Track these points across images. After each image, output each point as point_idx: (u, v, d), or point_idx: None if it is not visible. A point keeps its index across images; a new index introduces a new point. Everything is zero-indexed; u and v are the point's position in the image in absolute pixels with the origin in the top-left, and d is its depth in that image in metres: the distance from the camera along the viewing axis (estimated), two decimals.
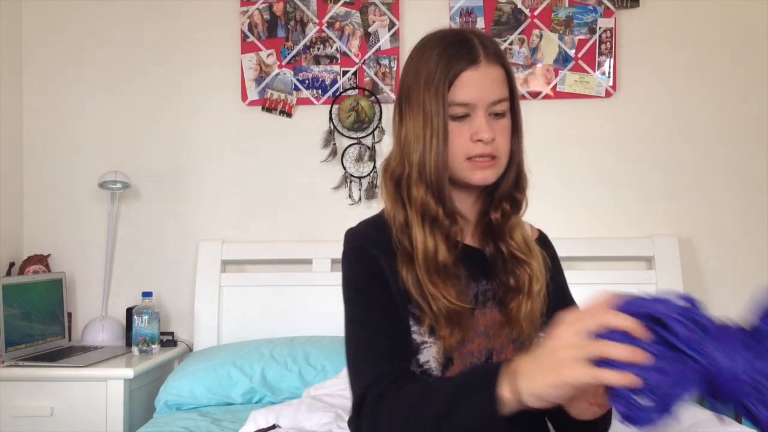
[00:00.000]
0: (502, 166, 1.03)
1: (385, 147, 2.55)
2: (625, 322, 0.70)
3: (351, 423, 0.96)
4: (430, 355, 0.99)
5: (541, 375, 0.73)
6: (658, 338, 0.70)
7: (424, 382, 0.94)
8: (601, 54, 2.54)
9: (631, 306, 0.72)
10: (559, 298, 1.10)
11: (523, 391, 0.74)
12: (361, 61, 2.60)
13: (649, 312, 0.71)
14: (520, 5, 2.56)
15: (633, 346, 0.69)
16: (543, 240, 1.16)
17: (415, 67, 1.02)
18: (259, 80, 2.62)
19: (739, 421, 1.76)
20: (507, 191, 1.05)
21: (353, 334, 1.00)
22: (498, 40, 2.56)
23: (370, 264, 1.01)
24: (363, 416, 0.91)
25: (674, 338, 0.70)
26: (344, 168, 2.57)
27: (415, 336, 0.99)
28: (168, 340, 2.49)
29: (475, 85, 0.98)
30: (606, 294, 0.73)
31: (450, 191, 1.01)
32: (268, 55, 2.62)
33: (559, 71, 2.55)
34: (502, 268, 1.04)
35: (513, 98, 1.03)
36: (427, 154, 0.99)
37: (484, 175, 1.01)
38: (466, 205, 1.07)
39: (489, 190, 1.07)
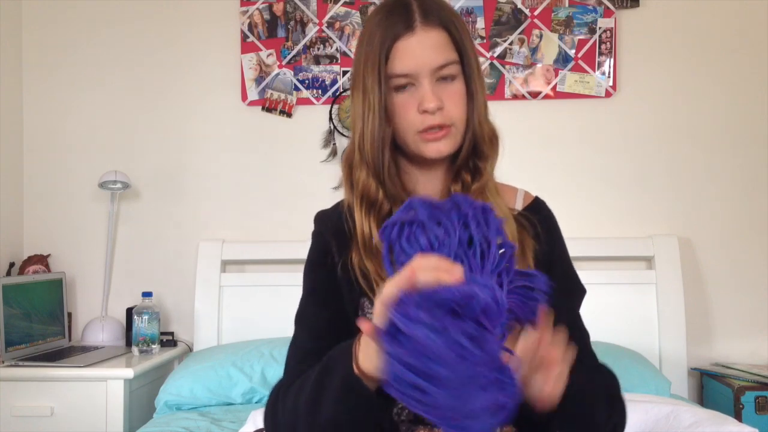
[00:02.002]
0: (457, 134, 0.96)
1: None
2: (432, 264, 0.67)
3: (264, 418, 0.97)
4: None
5: (371, 359, 0.74)
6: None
7: (307, 372, 0.90)
8: (601, 54, 2.54)
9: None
10: (556, 273, 0.98)
11: (366, 371, 0.76)
12: None
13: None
14: (520, 5, 2.56)
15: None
16: (536, 208, 1.07)
17: (359, 44, 0.97)
18: (259, 80, 2.62)
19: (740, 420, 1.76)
20: (464, 161, 0.98)
21: (296, 318, 1.03)
22: (498, 40, 2.56)
23: (320, 253, 1.01)
24: (266, 414, 0.93)
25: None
26: None
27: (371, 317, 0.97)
28: (168, 340, 2.49)
29: (413, 52, 0.91)
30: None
31: (392, 170, 0.96)
32: (268, 55, 2.62)
33: (559, 71, 2.55)
34: None
35: (464, 60, 0.95)
36: (366, 133, 0.95)
37: (438, 147, 0.94)
38: (431, 181, 1.02)
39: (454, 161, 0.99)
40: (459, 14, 1.03)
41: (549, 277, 0.95)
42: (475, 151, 0.98)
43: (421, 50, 0.92)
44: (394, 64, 0.93)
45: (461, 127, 0.96)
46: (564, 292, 1.01)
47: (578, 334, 1.01)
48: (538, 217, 1.03)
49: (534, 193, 1.10)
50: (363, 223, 0.96)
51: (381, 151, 0.95)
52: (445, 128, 0.94)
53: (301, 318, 1.03)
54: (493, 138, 1.00)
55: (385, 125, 0.94)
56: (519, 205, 1.06)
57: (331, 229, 1.02)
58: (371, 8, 2.58)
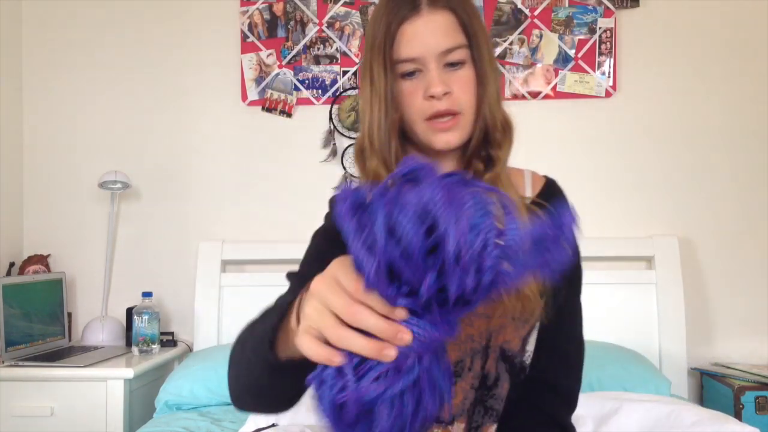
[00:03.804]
0: (466, 124, 0.92)
1: None
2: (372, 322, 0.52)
3: None
4: None
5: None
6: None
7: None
8: (601, 54, 2.54)
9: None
10: (570, 271, 0.94)
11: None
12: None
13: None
14: (520, 5, 2.56)
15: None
16: (550, 192, 1.03)
17: (367, 29, 0.94)
18: (259, 80, 2.62)
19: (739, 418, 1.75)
20: (475, 150, 0.94)
21: (289, 278, 0.98)
22: (498, 40, 2.56)
23: (334, 232, 0.95)
24: None
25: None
26: (344, 168, 2.57)
27: None
28: (168, 340, 2.49)
29: (419, 36, 0.88)
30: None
31: (400, 159, 0.90)
32: (268, 55, 2.62)
33: (559, 71, 2.55)
34: None
35: (473, 44, 0.91)
36: (374, 121, 0.91)
37: (447, 139, 0.91)
38: (443, 171, 0.96)
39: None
40: None
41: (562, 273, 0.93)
42: (487, 139, 0.94)
43: (426, 33, 0.89)
44: (399, 49, 0.89)
45: (470, 116, 0.92)
46: (573, 289, 1.00)
47: (569, 343, 1.00)
48: (552, 202, 0.98)
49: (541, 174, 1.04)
50: None
51: (388, 140, 0.92)
52: (454, 117, 0.90)
53: (294, 273, 0.98)
54: (507, 126, 0.96)
55: (392, 113, 0.91)
56: (529, 191, 1.02)
57: None
58: (371, 8, 2.58)
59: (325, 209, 1.09)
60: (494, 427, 0.97)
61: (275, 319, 0.69)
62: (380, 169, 0.92)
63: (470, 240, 0.45)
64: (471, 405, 0.94)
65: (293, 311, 0.65)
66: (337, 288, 0.54)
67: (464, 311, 0.47)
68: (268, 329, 0.69)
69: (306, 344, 0.54)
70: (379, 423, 0.49)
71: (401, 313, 0.50)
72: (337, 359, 0.51)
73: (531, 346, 0.97)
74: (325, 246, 0.97)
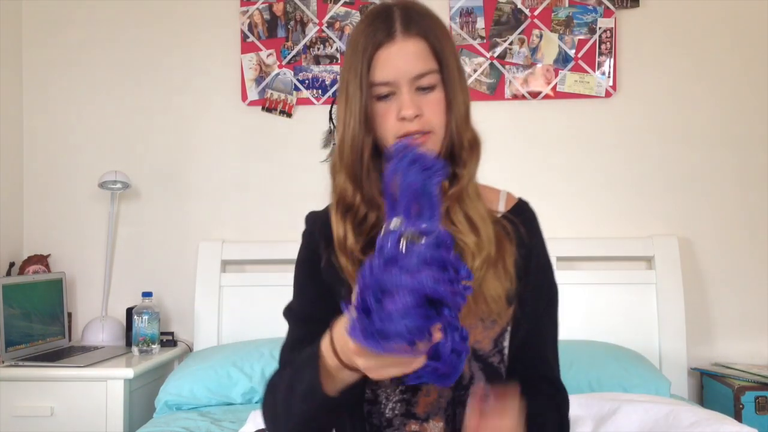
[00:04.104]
0: (437, 141, 0.97)
1: None
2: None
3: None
4: None
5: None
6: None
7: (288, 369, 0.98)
8: (601, 54, 2.54)
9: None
10: (535, 280, 1.03)
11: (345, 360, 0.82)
12: None
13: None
14: (520, 5, 2.56)
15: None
16: (519, 210, 1.07)
17: (346, 51, 1.01)
18: (259, 80, 2.62)
19: (740, 420, 1.75)
20: None
21: (285, 311, 1.10)
22: (498, 40, 2.56)
23: (309, 251, 1.06)
24: (261, 407, 1.02)
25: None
26: None
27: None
28: (168, 340, 2.49)
29: (392, 61, 0.94)
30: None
31: (371, 175, 0.98)
32: (268, 55, 2.62)
33: (559, 71, 2.55)
34: None
35: (443, 69, 0.96)
36: (345, 138, 0.97)
37: None
38: None
39: None
40: (443, 23, 1.02)
41: (527, 282, 1.00)
42: (453, 157, 0.99)
43: (400, 59, 0.94)
44: (375, 73, 0.95)
45: (441, 135, 0.97)
46: (543, 300, 1.06)
47: (545, 346, 1.06)
48: (520, 218, 1.03)
49: (528, 193, 1.11)
50: (338, 227, 0.98)
51: (360, 157, 0.97)
52: (425, 135, 0.96)
53: (290, 310, 1.09)
54: (474, 144, 1.00)
55: (365, 132, 0.96)
56: (502, 207, 1.07)
57: (320, 229, 1.04)
58: (371, 8, 2.58)
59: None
60: None
61: (315, 371, 0.85)
62: (347, 185, 0.99)
63: (455, 281, 0.70)
64: (450, 405, 0.98)
65: (324, 358, 0.84)
66: None
67: None
68: (308, 381, 0.86)
69: (397, 373, 0.74)
70: (464, 349, 0.74)
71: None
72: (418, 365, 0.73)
73: (507, 350, 1.01)
74: (308, 280, 1.07)
